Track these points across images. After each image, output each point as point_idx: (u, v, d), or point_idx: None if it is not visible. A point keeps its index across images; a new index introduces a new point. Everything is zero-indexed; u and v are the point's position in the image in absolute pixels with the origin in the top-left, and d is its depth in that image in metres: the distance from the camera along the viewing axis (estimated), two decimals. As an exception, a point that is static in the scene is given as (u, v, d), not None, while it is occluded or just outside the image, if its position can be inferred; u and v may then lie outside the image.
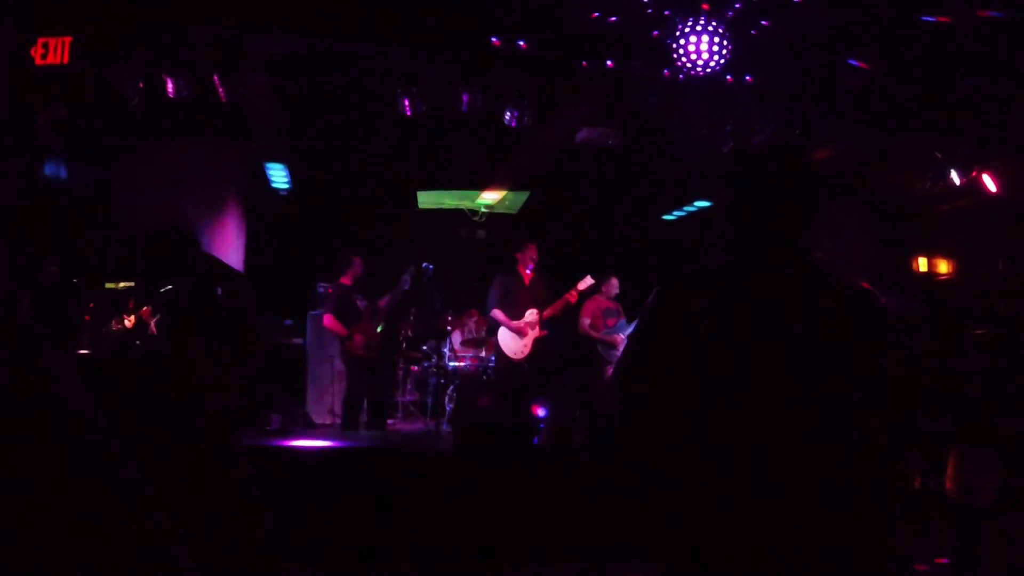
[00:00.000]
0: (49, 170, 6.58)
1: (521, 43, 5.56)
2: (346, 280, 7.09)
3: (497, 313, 7.12)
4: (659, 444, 1.89)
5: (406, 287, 7.11)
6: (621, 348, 7.70)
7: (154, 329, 5.54)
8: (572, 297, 7.13)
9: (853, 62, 5.70)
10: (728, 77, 5.57)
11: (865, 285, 1.86)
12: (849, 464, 1.77)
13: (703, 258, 1.94)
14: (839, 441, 1.76)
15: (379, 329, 7.11)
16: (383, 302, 7.11)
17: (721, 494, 1.74)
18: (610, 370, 7.75)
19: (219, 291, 3.76)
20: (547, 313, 7.13)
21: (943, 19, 5.00)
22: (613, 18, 5.30)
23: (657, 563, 1.85)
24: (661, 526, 1.85)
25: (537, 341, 7.15)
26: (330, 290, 7.49)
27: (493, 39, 5.49)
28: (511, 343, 7.14)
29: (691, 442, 1.81)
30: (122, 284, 6.69)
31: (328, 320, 6.94)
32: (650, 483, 1.92)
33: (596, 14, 5.25)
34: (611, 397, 2.00)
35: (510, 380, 7.16)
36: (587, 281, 7.19)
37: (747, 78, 5.79)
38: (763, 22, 5.22)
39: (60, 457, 0.69)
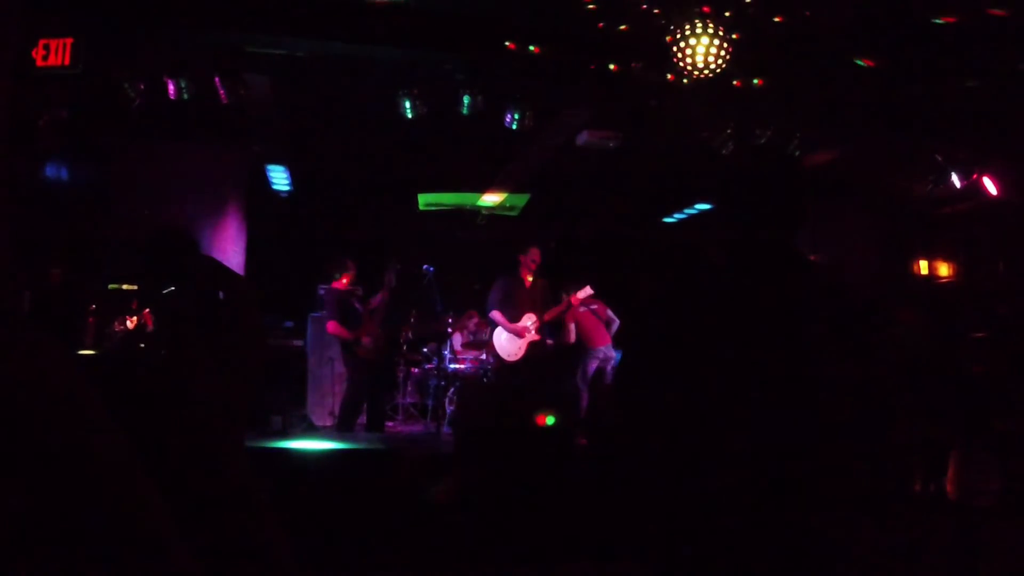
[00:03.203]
0: (50, 172, 6.59)
1: (521, 45, 5.57)
2: (339, 284, 7.05)
3: (496, 315, 7.12)
4: (660, 445, 1.89)
5: (393, 283, 7.10)
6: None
7: (156, 330, 5.55)
8: (570, 303, 7.17)
9: (855, 64, 5.71)
10: (730, 80, 5.57)
11: (851, 282, 1.87)
12: (844, 459, 1.77)
13: (696, 260, 1.94)
14: (834, 439, 1.76)
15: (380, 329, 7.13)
16: (375, 302, 7.11)
17: (719, 493, 1.74)
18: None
19: (220, 294, 3.76)
20: (547, 317, 7.13)
21: (948, 19, 5.01)
22: (614, 20, 5.31)
23: (657, 562, 1.85)
24: (662, 526, 1.86)
25: (532, 345, 7.15)
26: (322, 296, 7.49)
27: (494, 41, 5.50)
28: (507, 345, 7.14)
29: (690, 442, 1.81)
30: (125, 285, 6.70)
31: (333, 327, 6.89)
32: (651, 482, 1.92)
33: (596, 16, 5.25)
34: (613, 401, 2.01)
35: (506, 382, 7.16)
36: (586, 291, 7.20)
37: (748, 80, 5.80)
38: (763, 24, 5.23)
39: (61, 455, 0.69)
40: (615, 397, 2.02)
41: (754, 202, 1.90)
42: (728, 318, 1.81)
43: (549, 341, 7.54)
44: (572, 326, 7.60)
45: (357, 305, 7.04)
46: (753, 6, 5.00)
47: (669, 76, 5.33)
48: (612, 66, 5.68)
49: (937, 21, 5.14)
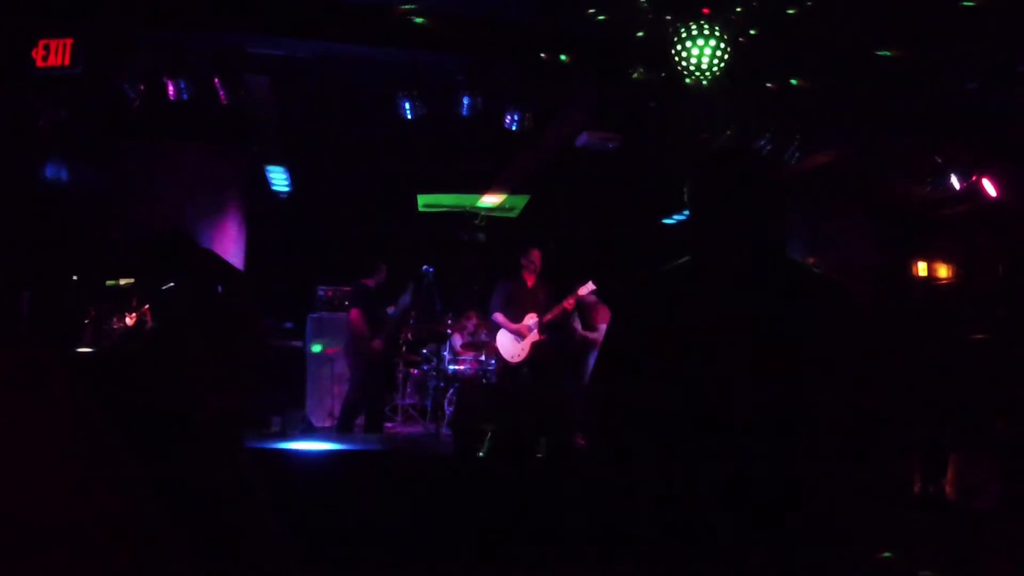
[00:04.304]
0: (50, 172, 6.58)
1: (521, 46, 5.57)
2: (369, 282, 7.16)
3: (498, 317, 7.15)
4: (633, 448, 1.87)
5: (408, 303, 7.22)
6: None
7: (155, 327, 5.54)
8: (569, 304, 7.16)
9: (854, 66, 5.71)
10: (730, 81, 5.57)
11: (836, 281, 1.84)
12: (824, 462, 1.76)
13: (669, 260, 1.92)
14: (814, 439, 1.74)
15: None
16: (388, 312, 7.22)
17: (693, 494, 1.73)
18: None
19: (219, 289, 3.76)
20: (546, 318, 7.14)
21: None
22: (614, 22, 5.31)
23: (639, 565, 1.84)
24: (639, 527, 1.84)
25: (535, 345, 7.16)
26: (329, 292, 7.50)
27: (494, 41, 5.50)
28: (509, 346, 7.16)
29: (665, 443, 1.79)
30: (123, 282, 6.68)
31: (355, 315, 6.99)
32: (626, 486, 1.91)
33: (597, 17, 5.25)
34: (586, 405, 1.99)
35: (508, 383, 7.17)
36: (588, 287, 7.19)
37: (747, 82, 5.80)
38: (763, 26, 5.23)
39: (59, 455, 0.69)
40: (588, 403, 1.99)
41: (727, 200, 1.89)
42: (698, 314, 1.79)
43: (576, 324, 7.58)
44: (603, 328, 7.63)
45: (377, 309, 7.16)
46: (752, 8, 5.00)
47: (669, 78, 5.33)
48: (612, 67, 5.68)
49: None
